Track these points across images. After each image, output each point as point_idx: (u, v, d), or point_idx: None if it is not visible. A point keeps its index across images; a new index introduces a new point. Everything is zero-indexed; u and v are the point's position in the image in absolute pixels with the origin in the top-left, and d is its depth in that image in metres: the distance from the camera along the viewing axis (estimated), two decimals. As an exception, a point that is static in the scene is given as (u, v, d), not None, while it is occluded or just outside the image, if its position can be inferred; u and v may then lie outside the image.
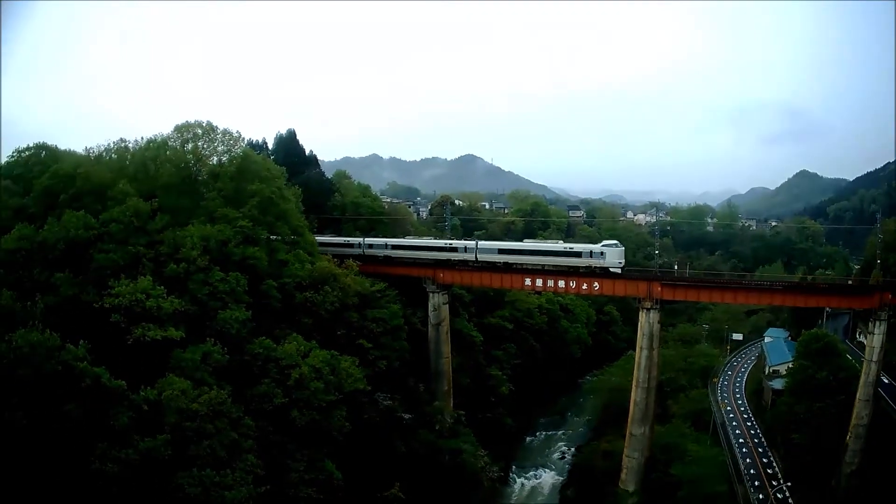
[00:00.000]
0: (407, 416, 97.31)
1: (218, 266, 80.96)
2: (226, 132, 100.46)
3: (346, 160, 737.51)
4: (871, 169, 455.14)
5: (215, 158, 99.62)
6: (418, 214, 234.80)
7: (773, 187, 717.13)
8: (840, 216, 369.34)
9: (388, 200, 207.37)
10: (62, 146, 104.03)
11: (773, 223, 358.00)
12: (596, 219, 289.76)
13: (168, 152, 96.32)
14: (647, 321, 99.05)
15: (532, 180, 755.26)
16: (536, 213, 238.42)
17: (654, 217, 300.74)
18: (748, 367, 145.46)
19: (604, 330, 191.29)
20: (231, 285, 79.65)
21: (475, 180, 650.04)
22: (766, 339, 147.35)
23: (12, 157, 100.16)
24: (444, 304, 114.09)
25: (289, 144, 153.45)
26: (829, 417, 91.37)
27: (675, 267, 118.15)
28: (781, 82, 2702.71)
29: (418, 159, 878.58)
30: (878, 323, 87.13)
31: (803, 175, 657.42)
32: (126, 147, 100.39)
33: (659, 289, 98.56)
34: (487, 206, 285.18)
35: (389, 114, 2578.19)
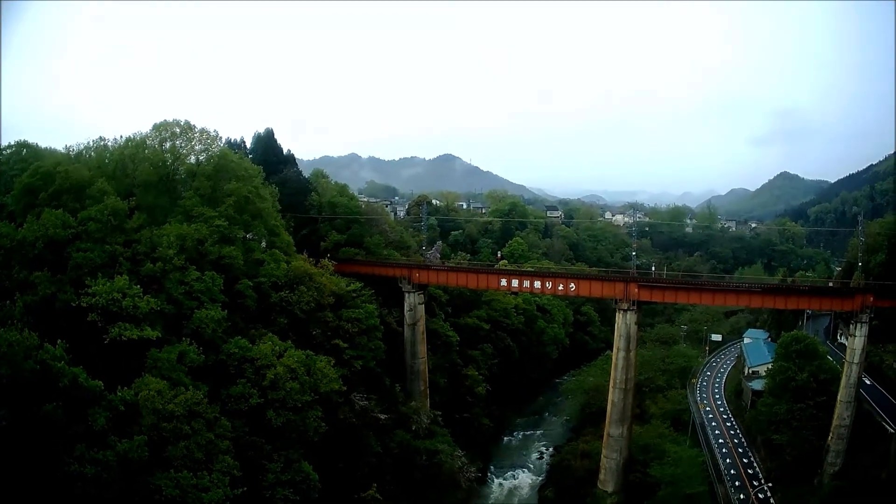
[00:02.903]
0: (383, 416, 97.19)
1: (194, 265, 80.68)
2: (203, 131, 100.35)
3: (325, 159, 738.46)
4: (854, 171, 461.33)
5: (193, 157, 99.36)
6: (395, 214, 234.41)
7: (753, 188, 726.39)
8: (821, 218, 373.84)
9: (366, 200, 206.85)
10: (43, 144, 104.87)
11: (753, 224, 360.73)
12: (574, 219, 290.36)
13: (146, 151, 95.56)
14: (624, 322, 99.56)
15: (510, 180, 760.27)
16: (514, 214, 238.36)
17: (633, 218, 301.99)
18: (727, 367, 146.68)
19: (581, 330, 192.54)
20: (207, 284, 79.42)
21: (454, 180, 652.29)
22: (746, 340, 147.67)
23: None
24: (419, 303, 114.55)
25: (267, 143, 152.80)
26: (809, 418, 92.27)
27: (653, 268, 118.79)
28: (772, 83, 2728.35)
29: (397, 158, 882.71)
30: (859, 325, 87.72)
31: (784, 176, 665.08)
32: (105, 145, 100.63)
33: (636, 290, 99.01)
34: (465, 206, 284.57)
35: (369, 113, 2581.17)
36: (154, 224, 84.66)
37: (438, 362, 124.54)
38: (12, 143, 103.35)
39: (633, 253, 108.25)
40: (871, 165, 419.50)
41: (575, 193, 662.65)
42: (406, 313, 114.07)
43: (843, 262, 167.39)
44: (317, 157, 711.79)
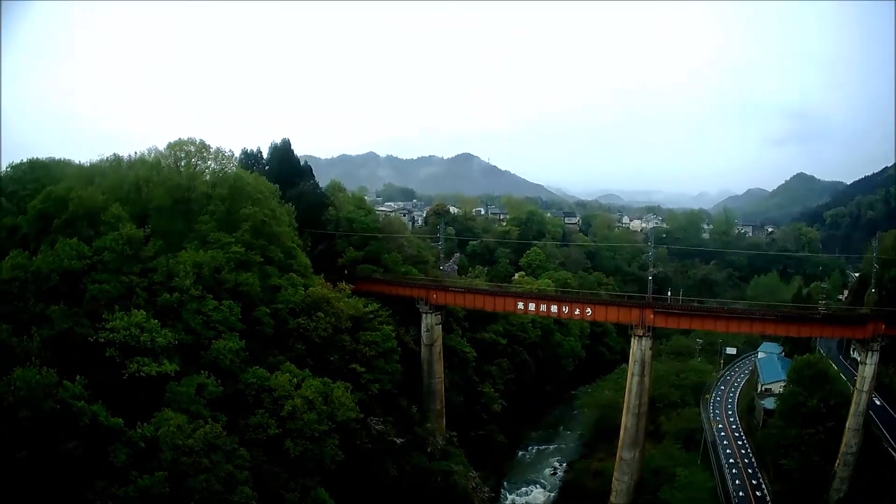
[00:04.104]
0: (399, 440, 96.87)
1: (211, 294, 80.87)
2: (218, 151, 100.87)
3: (343, 157, 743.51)
4: (869, 173, 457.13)
5: (208, 177, 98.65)
6: (413, 221, 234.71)
7: (770, 188, 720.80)
8: (837, 222, 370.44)
9: (384, 210, 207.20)
10: (55, 153, 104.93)
11: (770, 229, 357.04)
12: (591, 226, 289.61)
13: (161, 172, 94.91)
14: (639, 348, 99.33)
15: (529, 180, 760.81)
16: (531, 222, 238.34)
17: (650, 224, 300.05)
18: (741, 381, 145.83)
19: (597, 341, 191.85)
20: (224, 314, 79.61)
21: (472, 180, 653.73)
22: (760, 355, 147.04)
23: (7, 172, 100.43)
24: (437, 324, 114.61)
25: (283, 155, 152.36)
26: (818, 444, 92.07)
27: (669, 292, 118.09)
28: (790, 84, 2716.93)
29: (415, 157, 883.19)
30: (870, 353, 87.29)
31: (801, 178, 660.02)
32: (119, 163, 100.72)
33: (651, 316, 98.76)
34: (482, 212, 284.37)
35: (387, 111, 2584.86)
36: (170, 250, 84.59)
37: (455, 380, 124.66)
38: (24, 160, 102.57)
39: (650, 277, 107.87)
40: (887, 167, 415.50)
41: (592, 193, 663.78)
42: (423, 333, 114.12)
43: (858, 273, 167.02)
44: (335, 156, 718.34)
